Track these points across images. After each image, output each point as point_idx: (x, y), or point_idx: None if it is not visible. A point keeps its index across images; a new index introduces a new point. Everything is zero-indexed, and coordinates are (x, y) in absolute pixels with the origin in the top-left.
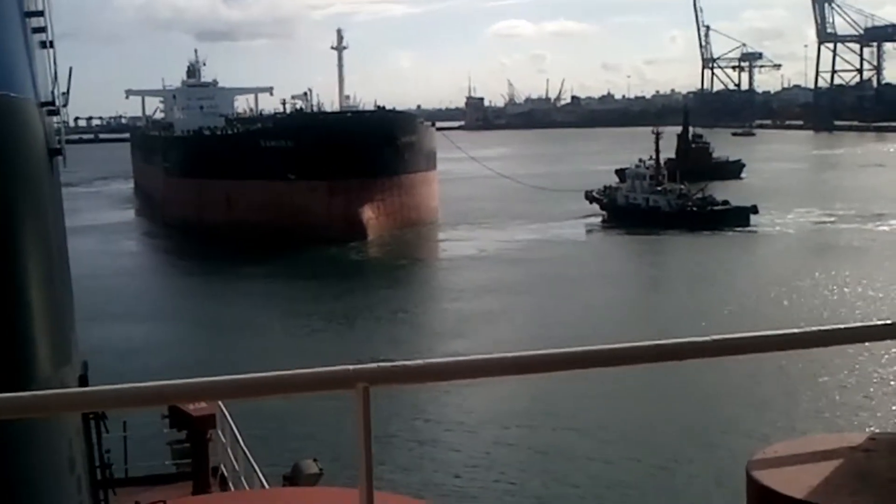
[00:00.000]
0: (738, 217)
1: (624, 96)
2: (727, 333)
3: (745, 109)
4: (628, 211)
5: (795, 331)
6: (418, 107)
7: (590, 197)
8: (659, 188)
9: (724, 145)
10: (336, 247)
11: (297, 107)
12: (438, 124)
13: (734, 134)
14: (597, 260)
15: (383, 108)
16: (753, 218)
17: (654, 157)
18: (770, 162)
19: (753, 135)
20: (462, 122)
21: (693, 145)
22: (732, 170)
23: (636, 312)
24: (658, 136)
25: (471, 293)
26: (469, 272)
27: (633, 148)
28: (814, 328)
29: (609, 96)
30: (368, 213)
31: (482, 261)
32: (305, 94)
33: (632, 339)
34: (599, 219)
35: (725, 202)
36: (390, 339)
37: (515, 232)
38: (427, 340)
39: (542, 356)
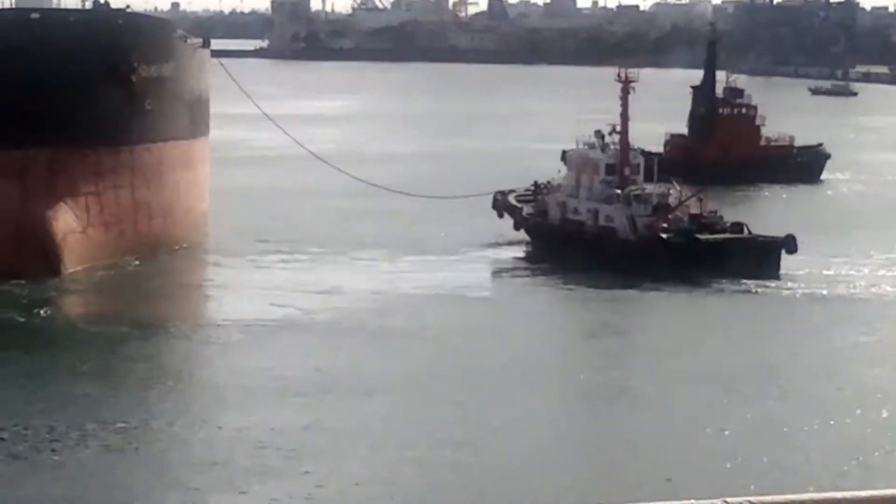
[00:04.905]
0: (758, 257)
1: (596, 2)
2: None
3: (834, 42)
4: (565, 234)
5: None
6: (175, 5)
7: (501, 206)
8: (619, 191)
9: (789, 112)
10: None
11: None
12: (217, 44)
13: (814, 91)
14: (511, 338)
15: (105, 4)
16: (790, 261)
17: (616, 128)
18: (883, 151)
19: (854, 94)
20: (265, 43)
21: (724, 110)
22: (803, 163)
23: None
24: (628, 84)
25: (264, 401)
26: (265, 355)
27: (614, 107)
28: None
29: (566, 2)
30: (66, 221)
31: (288, 331)
32: None
33: None
34: (521, 249)
35: (737, 226)
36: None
37: (355, 275)
38: None
39: None
